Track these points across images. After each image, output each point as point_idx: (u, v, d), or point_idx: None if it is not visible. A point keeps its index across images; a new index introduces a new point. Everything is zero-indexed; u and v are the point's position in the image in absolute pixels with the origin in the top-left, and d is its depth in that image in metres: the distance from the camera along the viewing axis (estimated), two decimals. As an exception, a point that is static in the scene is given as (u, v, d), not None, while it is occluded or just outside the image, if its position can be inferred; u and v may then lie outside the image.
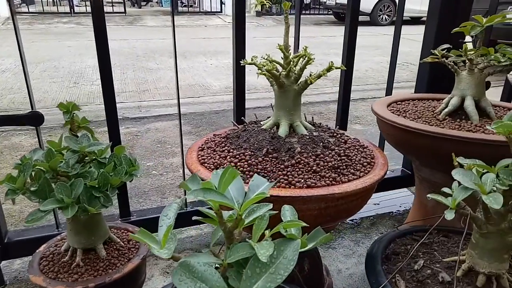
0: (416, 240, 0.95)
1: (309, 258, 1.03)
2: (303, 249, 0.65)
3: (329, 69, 0.87)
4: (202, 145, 0.98)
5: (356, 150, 0.93)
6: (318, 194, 0.76)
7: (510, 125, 0.71)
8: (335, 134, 0.96)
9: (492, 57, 1.00)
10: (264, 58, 0.89)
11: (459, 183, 0.72)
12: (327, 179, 0.80)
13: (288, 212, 0.68)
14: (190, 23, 9.59)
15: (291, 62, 0.88)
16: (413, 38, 5.98)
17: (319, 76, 0.88)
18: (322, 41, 6.88)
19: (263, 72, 0.86)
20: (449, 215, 0.71)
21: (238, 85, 1.21)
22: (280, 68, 0.89)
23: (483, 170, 0.71)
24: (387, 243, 0.93)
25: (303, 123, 0.94)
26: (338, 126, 1.35)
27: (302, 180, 0.79)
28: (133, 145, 2.28)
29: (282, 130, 0.91)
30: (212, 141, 0.99)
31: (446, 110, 1.07)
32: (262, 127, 0.94)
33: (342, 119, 1.37)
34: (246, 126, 0.98)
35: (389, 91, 1.44)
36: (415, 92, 1.49)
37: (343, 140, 0.95)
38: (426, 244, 0.92)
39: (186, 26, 9.09)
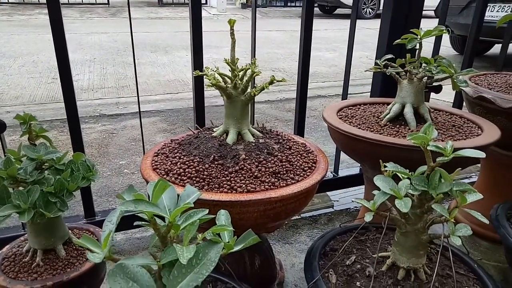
0: (355, 237, 1.04)
1: (260, 254, 1.11)
2: (235, 249, 0.73)
3: (271, 82, 0.94)
4: (158, 150, 1.05)
5: (299, 155, 1.01)
6: (256, 198, 0.83)
7: (424, 137, 0.79)
8: (281, 140, 1.04)
9: (427, 68, 1.09)
10: (213, 71, 0.96)
11: (379, 189, 0.80)
12: (266, 184, 0.88)
13: (223, 217, 0.75)
14: (174, 15, 9.53)
15: (237, 76, 0.94)
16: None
17: (262, 89, 0.95)
18: (305, 35, 6.93)
19: (211, 84, 0.92)
20: (368, 217, 0.79)
21: (197, 88, 1.27)
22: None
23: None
24: (328, 240, 1.01)
25: (251, 131, 1.02)
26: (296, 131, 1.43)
27: (244, 186, 0.87)
28: (108, 143, 2.33)
29: (230, 138, 0.98)
30: (168, 147, 1.05)
31: (387, 116, 1.15)
32: (212, 135, 1.01)
33: (300, 125, 1.45)
34: (199, 133, 1.05)
35: (344, 96, 1.52)
36: (370, 96, 1.57)
37: (287, 146, 1.02)
38: (361, 241, 1.01)
39: (170, 18, 9.03)
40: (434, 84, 1.55)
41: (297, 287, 1.18)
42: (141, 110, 3.07)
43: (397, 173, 0.82)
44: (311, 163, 1.00)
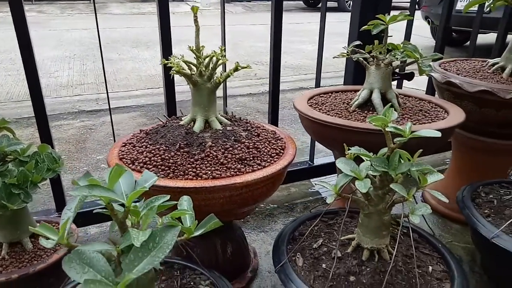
0: (324, 222, 1.05)
1: (232, 242, 1.12)
2: (196, 234, 0.73)
3: (235, 69, 0.94)
4: (126, 141, 1.04)
5: (267, 142, 1.01)
6: (221, 184, 0.84)
7: (384, 119, 0.80)
8: (249, 128, 1.04)
9: (393, 53, 1.10)
10: (178, 58, 0.95)
11: (341, 171, 0.82)
12: (232, 170, 0.88)
13: (185, 202, 0.75)
14: (154, 10, 9.42)
15: (202, 63, 0.94)
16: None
17: (227, 76, 0.95)
18: (288, 28, 6.91)
19: (175, 72, 0.92)
20: (329, 199, 0.80)
21: (167, 83, 1.26)
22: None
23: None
24: (297, 226, 1.02)
25: (219, 118, 1.02)
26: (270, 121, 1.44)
27: (209, 172, 0.87)
28: (86, 139, 2.30)
29: (197, 126, 0.98)
30: (136, 137, 1.05)
31: (356, 102, 1.16)
32: (180, 123, 1.01)
33: (273, 115, 1.46)
34: (167, 122, 1.05)
35: (317, 84, 1.53)
36: (344, 84, 1.59)
37: (256, 134, 1.03)
38: (330, 225, 1.02)
39: (153, 13, 8.92)
40: (406, 71, 1.57)
41: (271, 273, 1.19)
42: (121, 105, 3.04)
43: (360, 156, 0.83)
44: (279, 150, 1.00)
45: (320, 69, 1.53)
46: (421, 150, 0.84)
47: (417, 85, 2.25)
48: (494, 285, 1.14)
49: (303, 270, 0.88)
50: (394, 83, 1.67)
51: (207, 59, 0.95)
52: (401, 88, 1.63)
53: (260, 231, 1.39)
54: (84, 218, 1.27)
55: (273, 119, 1.48)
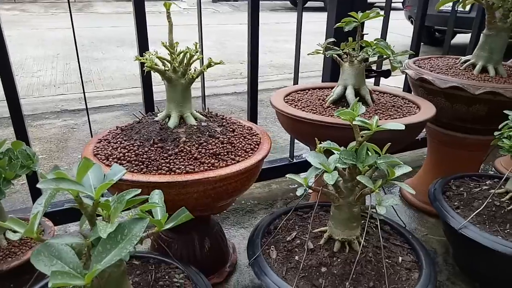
0: (300, 215, 1.07)
1: (210, 238, 1.13)
2: (167, 227, 0.74)
3: (208, 65, 0.95)
4: (102, 137, 1.04)
5: (242, 137, 1.03)
6: (194, 178, 0.85)
7: (351, 113, 0.82)
8: (224, 123, 1.05)
9: (365, 50, 1.13)
10: (151, 55, 0.96)
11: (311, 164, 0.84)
12: (206, 165, 0.89)
13: (156, 196, 0.75)
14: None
15: (175, 59, 0.95)
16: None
17: (201, 72, 0.97)
18: (275, 27, 6.97)
19: (148, 68, 0.93)
20: (299, 191, 0.82)
21: (144, 78, 1.27)
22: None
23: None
24: (273, 219, 1.04)
25: (194, 114, 1.03)
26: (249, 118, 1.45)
27: (183, 167, 0.88)
28: (68, 138, 2.28)
29: (172, 122, 0.98)
30: (111, 133, 1.05)
31: (331, 99, 1.19)
32: (155, 119, 1.02)
33: (252, 112, 1.47)
34: (142, 119, 1.05)
35: (296, 81, 1.55)
36: (322, 81, 1.61)
37: (231, 129, 1.04)
38: (304, 219, 1.04)
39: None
40: (383, 69, 1.60)
41: (249, 268, 1.20)
42: (105, 104, 3.02)
43: (330, 149, 0.85)
44: (254, 145, 1.02)
45: (297, 67, 1.55)
46: (390, 143, 0.86)
47: (400, 83, 2.29)
48: (465, 275, 1.17)
49: (277, 262, 0.90)
50: (372, 80, 1.71)
51: (180, 55, 0.96)
52: (378, 85, 1.66)
53: (240, 227, 1.40)
54: (63, 216, 1.27)
55: (252, 116, 1.49)
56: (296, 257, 0.90)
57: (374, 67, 1.67)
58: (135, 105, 3.01)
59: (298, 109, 1.17)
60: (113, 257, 0.59)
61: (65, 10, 8.74)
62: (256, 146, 1.02)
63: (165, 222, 0.72)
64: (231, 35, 6.15)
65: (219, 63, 0.96)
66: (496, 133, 1.04)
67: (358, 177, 0.78)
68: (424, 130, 1.54)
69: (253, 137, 1.06)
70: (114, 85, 3.50)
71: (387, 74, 1.65)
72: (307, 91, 1.36)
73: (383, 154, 0.84)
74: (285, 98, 1.27)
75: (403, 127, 0.79)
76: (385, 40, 1.57)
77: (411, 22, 5.40)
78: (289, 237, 0.96)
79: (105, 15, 8.18)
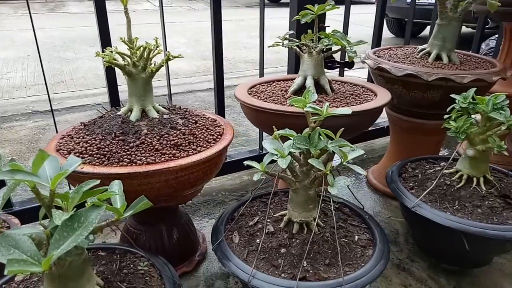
0: (264, 202, 1.11)
1: (178, 228, 1.16)
2: (126, 215, 0.76)
3: (167, 59, 0.97)
4: (65, 133, 1.05)
5: (205, 129, 1.06)
6: (154, 169, 0.87)
7: (303, 100, 0.87)
8: (187, 116, 1.08)
9: (322, 41, 1.17)
10: (111, 51, 0.98)
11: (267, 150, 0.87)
12: (167, 155, 0.92)
13: (116, 186, 0.78)
14: (117, 8, 9.19)
15: (134, 54, 0.97)
16: (336, 18, 6.32)
17: (160, 66, 0.99)
18: (250, 24, 6.99)
19: (107, 62, 0.94)
20: (256, 177, 0.86)
21: (108, 74, 1.28)
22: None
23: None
24: (237, 207, 1.07)
25: (156, 108, 1.05)
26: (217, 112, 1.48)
27: (144, 158, 0.90)
28: (39, 139, 2.26)
29: (133, 115, 1.01)
30: (75, 129, 1.06)
31: (292, 89, 1.23)
32: (117, 113, 1.04)
33: (219, 106, 1.50)
34: (105, 114, 1.07)
35: (261, 74, 1.59)
36: (287, 73, 1.65)
37: (193, 121, 1.07)
38: (267, 204, 1.08)
39: (113, 12, 8.71)
40: (346, 60, 1.65)
41: (219, 256, 1.23)
42: (78, 104, 2.99)
43: (286, 136, 0.89)
44: (216, 135, 1.05)
45: (262, 60, 1.59)
46: (343, 129, 0.90)
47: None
48: (423, 252, 1.24)
49: (239, 246, 0.93)
50: (336, 71, 1.76)
51: (140, 50, 0.98)
52: (343, 76, 1.71)
53: (211, 218, 1.44)
54: (31, 214, 1.27)
55: (220, 109, 1.52)
56: (258, 240, 0.94)
57: (338, 59, 1.72)
58: (107, 104, 2.99)
59: (260, 100, 1.21)
60: (70, 243, 0.62)
61: (36, 10, 8.52)
62: (219, 137, 1.05)
63: (124, 211, 0.74)
64: (206, 32, 6.12)
65: (177, 57, 0.98)
66: (445, 116, 1.10)
67: (309, 160, 0.82)
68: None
69: (216, 128, 1.09)
70: (87, 85, 3.46)
71: (350, 65, 1.70)
72: (271, 83, 1.40)
73: (336, 139, 0.88)
74: (249, 90, 1.31)
75: (349, 112, 0.84)
76: (347, 32, 1.63)
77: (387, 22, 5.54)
78: (251, 222, 0.99)
79: (77, 15, 8.02)
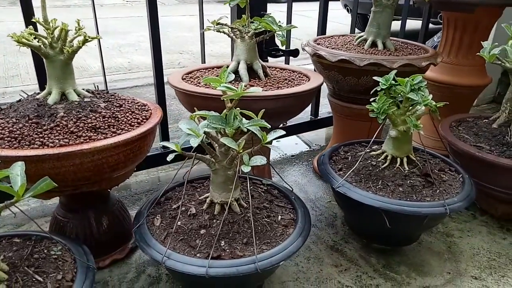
0: (194, 186, 1.10)
1: (108, 215, 1.13)
2: (26, 197, 0.73)
3: (84, 41, 0.95)
4: (-18, 119, 1.01)
5: (130, 112, 1.04)
6: (66, 151, 0.85)
7: (217, 79, 0.86)
8: (111, 99, 1.06)
9: (252, 26, 1.17)
10: (25, 32, 0.94)
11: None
12: (82, 138, 0.90)
13: (18, 168, 0.75)
14: (83, 2, 8.95)
15: (50, 34, 0.94)
16: (306, 15, 6.38)
17: (78, 48, 0.97)
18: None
19: (17, 42, 0.91)
20: (170, 157, 0.85)
21: (35, 59, 1.24)
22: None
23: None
24: (166, 192, 1.06)
25: (77, 91, 1.02)
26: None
27: (57, 141, 0.88)
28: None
29: (51, 98, 0.98)
30: (-7, 114, 1.02)
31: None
32: (35, 97, 1.01)
33: (159, 96, 1.49)
34: (23, 98, 1.04)
35: (203, 61, 1.59)
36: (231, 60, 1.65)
37: (118, 104, 1.05)
38: (195, 188, 1.08)
39: (79, 5, 8.47)
40: (291, 48, 1.66)
41: (153, 243, 1.22)
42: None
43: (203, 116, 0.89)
44: (142, 119, 1.03)
45: (203, 49, 1.58)
46: (264, 110, 0.91)
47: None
48: (356, 234, 1.27)
49: (159, 229, 0.93)
50: (282, 59, 1.77)
51: (57, 31, 0.95)
52: (288, 63, 1.72)
53: (151, 206, 1.42)
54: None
55: (160, 97, 1.50)
56: (179, 222, 0.93)
57: (283, 47, 1.73)
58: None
59: (194, 85, 1.20)
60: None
61: (-4, 3, 8.17)
62: (145, 120, 1.04)
63: (24, 192, 0.72)
64: (174, 26, 6.05)
65: (95, 38, 0.96)
66: (371, 99, 1.12)
67: (221, 139, 0.82)
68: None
69: (143, 112, 1.07)
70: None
71: (295, 53, 1.72)
72: (210, 69, 1.39)
73: (255, 119, 0.88)
74: (185, 76, 1.29)
75: (260, 90, 0.84)
76: (291, 22, 1.64)
77: (348, 11, 5.61)
78: (175, 205, 0.99)
79: (39, 9, 7.73)
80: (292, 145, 2.01)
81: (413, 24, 4.19)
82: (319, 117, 2.00)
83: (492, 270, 1.14)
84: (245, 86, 1.18)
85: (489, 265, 1.16)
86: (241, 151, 0.84)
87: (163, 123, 1.55)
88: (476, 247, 1.24)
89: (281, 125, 1.97)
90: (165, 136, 1.59)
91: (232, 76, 0.90)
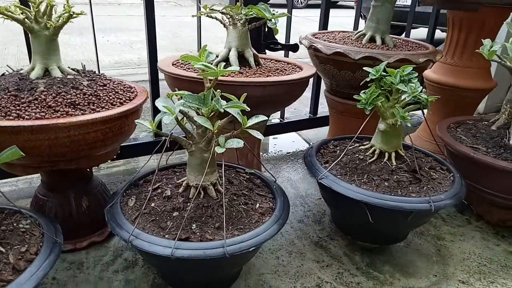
0: (175, 171, 1.08)
1: (89, 196, 1.12)
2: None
3: (69, 16, 0.95)
4: (-33, 92, 1.01)
5: (114, 92, 1.03)
6: (41, 124, 0.84)
7: (196, 58, 0.85)
8: (95, 79, 1.05)
9: (244, 13, 1.15)
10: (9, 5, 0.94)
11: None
12: (59, 113, 0.89)
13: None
14: (102, 1, 9.13)
15: (34, 8, 0.94)
16: (314, 19, 6.36)
17: (63, 23, 0.96)
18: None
19: (4, 16, 0.91)
20: (143, 134, 0.83)
21: (27, 38, 1.24)
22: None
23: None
24: (146, 175, 1.05)
25: (62, 68, 1.02)
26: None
27: (33, 114, 0.87)
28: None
29: (34, 73, 0.97)
30: (-23, 87, 1.02)
31: (216, 60, 1.20)
32: (20, 72, 1.00)
33: (153, 84, 1.48)
34: (8, 73, 1.04)
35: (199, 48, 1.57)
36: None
37: (101, 84, 1.04)
38: (175, 173, 1.06)
39: (97, 4, 8.63)
40: (291, 43, 1.64)
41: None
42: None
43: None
44: (125, 99, 1.02)
45: (200, 35, 1.57)
46: (246, 94, 0.88)
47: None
48: (342, 231, 1.23)
49: (131, 209, 0.91)
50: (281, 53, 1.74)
51: (43, 6, 0.95)
52: (288, 57, 1.69)
53: (137, 193, 1.40)
54: None
55: (154, 91, 1.50)
56: (153, 204, 0.91)
57: (283, 41, 1.71)
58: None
59: (183, 70, 1.18)
60: None
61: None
62: (127, 101, 1.02)
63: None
64: (186, 26, 6.11)
65: (80, 14, 0.96)
66: (362, 91, 1.09)
67: (195, 118, 0.80)
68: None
69: (128, 93, 1.06)
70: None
71: (294, 48, 1.69)
72: (203, 57, 1.38)
73: (234, 101, 0.86)
74: (176, 62, 1.28)
75: (238, 68, 0.82)
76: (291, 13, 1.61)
77: (362, 17, 5.58)
78: (150, 188, 0.97)
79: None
80: (290, 142, 1.98)
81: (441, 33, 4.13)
82: (318, 115, 1.96)
83: (482, 276, 1.08)
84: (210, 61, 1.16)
85: (479, 270, 1.10)
86: (215, 131, 0.81)
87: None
88: (467, 252, 1.19)
89: (278, 121, 1.95)
90: (158, 126, 1.58)
91: (213, 56, 0.88)
